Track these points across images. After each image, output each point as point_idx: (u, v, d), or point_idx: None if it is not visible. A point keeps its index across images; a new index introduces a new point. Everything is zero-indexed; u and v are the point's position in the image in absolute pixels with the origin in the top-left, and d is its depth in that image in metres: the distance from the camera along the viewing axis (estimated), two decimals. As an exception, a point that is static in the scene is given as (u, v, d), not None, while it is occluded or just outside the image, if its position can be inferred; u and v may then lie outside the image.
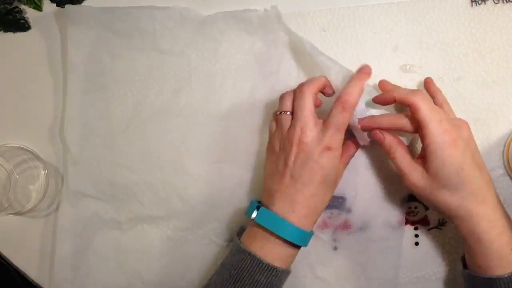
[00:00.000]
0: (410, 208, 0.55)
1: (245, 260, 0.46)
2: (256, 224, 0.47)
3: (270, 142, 0.51)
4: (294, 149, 0.47)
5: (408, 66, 0.55)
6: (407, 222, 0.55)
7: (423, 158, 0.46)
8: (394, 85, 0.53)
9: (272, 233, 0.46)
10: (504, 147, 0.54)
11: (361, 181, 0.54)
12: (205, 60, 0.56)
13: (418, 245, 0.55)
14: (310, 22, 0.56)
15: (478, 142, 0.54)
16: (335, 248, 0.55)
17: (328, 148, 0.46)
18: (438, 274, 0.54)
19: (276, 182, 0.48)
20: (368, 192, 0.55)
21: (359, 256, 0.55)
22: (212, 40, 0.55)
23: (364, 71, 0.52)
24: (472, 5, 0.55)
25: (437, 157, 0.44)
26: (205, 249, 0.56)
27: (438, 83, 0.55)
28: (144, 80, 0.56)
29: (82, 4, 0.56)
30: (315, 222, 0.49)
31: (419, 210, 0.55)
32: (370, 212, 0.55)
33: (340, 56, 0.56)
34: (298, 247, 0.48)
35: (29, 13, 0.58)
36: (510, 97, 0.55)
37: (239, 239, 0.48)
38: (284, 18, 0.55)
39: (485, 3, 0.55)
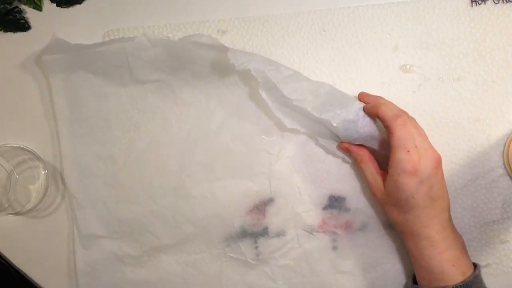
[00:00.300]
0: (410, 208, 0.55)
1: None
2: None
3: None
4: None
5: (408, 66, 0.55)
6: (407, 222, 0.55)
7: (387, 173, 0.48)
8: (377, 99, 0.52)
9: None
10: (504, 147, 0.54)
11: (361, 181, 0.55)
12: (186, 82, 0.56)
13: (418, 245, 0.55)
14: (310, 22, 0.56)
15: (478, 142, 0.54)
16: (335, 248, 0.55)
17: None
18: (438, 274, 0.54)
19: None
20: (368, 192, 0.55)
21: (359, 256, 0.55)
22: (188, 62, 0.55)
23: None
24: (472, 5, 0.55)
25: (392, 180, 0.47)
26: (225, 266, 0.56)
27: (438, 83, 0.55)
28: (131, 114, 0.56)
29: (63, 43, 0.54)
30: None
31: (419, 210, 0.55)
32: (370, 212, 0.55)
33: (340, 56, 0.56)
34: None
35: (29, 13, 0.58)
36: (510, 97, 0.55)
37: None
38: (284, 18, 0.56)
39: (485, 3, 0.55)
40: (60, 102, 0.56)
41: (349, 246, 0.55)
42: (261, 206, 0.55)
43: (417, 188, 0.45)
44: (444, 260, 0.46)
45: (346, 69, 0.56)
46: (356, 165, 0.53)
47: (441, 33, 0.55)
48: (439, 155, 0.47)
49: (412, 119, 0.48)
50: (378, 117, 0.48)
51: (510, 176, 0.54)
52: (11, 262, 0.57)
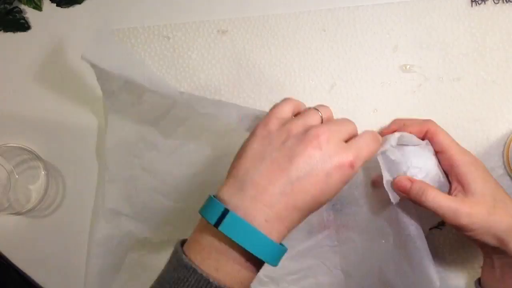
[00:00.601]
0: (410, 208, 0.55)
1: (190, 281, 0.34)
2: (213, 232, 0.36)
3: (267, 119, 0.39)
4: (309, 146, 0.36)
5: (408, 66, 0.55)
6: (407, 222, 0.55)
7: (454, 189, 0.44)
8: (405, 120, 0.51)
9: (235, 247, 0.35)
10: (504, 147, 0.54)
11: (361, 181, 0.55)
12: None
13: (418, 245, 0.55)
14: (310, 22, 0.56)
15: (478, 142, 0.54)
16: (335, 247, 0.55)
17: (349, 165, 0.37)
18: (438, 274, 0.54)
19: (264, 176, 0.36)
20: (368, 192, 0.55)
21: (359, 256, 0.55)
22: None
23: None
24: (472, 5, 0.55)
25: (473, 174, 0.43)
26: None
27: (438, 83, 0.55)
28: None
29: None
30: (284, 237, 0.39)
31: (419, 210, 0.55)
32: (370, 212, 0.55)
33: (340, 56, 0.56)
34: (258, 268, 0.37)
35: (29, 13, 0.58)
36: (510, 97, 0.55)
37: (183, 249, 0.37)
38: (284, 18, 0.56)
39: (485, 3, 0.55)
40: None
41: (349, 246, 0.55)
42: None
43: (488, 174, 0.46)
44: None
45: (346, 69, 0.56)
46: (416, 201, 0.43)
47: (441, 33, 0.55)
48: None
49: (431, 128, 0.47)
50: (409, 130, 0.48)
51: (510, 176, 0.54)
52: (11, 262, 0.57)
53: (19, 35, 0.58)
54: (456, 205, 0.42)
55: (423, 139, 0.48)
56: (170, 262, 0.37)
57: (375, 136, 0.41)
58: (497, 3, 0.55)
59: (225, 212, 0.35)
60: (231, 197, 0.36)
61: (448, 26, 0.55)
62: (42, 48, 0.58)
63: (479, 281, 0.48)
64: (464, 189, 0.43)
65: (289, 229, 0.37)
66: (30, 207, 0.56)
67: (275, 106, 0.41)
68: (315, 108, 0.41)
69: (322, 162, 0.36)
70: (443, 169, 0.46)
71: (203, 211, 0.37)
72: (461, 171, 0.43)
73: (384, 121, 0.55)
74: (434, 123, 0.47)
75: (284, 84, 0.56)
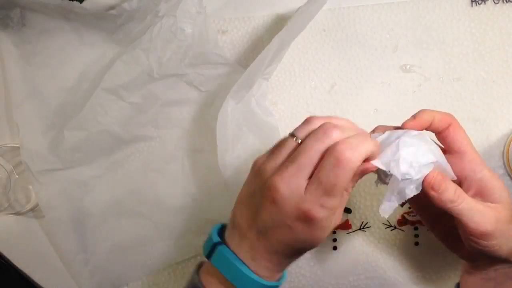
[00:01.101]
0: (410, 208, 0.55)
1: None
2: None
3: (259, 162, 0.38)
4: (267, 200, 0.35)
5: (408, 66, 0.55)
6: (407, 222, 0.55)
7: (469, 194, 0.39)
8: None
9: (225, 280, 0.37)
10: (504, 147, 0.54)
11: (360, 181, 0.54)
12: None
13: (418, 245, 0.55)
14: (310, 22, 0.56)
15: (478, 142, 0.54)
16: (335, 248, 0.55)
17: (306, 217, 0.34)
18: (438, 274, 0.55)
19: (244, 220, 0.37)
20: (368, 192, 0.55)
21: (359, 256, 0.55)
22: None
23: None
24: (472, 5, 0.55)
25: (496, 180, 0.38)
26: None
27: (438, 83, 0.55)
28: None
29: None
30: (282, 271, 0.39)
31: (419, 210, 0.55)
32: (370, 212, 0.55)
33: (340, 56, 0.56)
34: None
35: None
36: (510, 97, 0.55)
37: (198, 272, 0.39)
38: (284, 18, 0.56)
39: (485, 3, 0.55)
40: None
41: (349, 246, 0.55)
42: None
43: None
44: None
45: (346, 69, 0.56)
46: (452, 208, 0.37)
47: (441, 33, 0.55)
48: None
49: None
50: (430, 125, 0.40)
51: (510, 176, 0.54)
52: (11, 262, 0.57)
53: (19, 35, 0.58)
54: (485, 210, 0.37)
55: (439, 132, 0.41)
56: (188, 281, 0.40)
57: (332, 161, 0.34)
58: (497, 3, 0.55)
59: (214, 246, 0.38)
60: (227, 234, 0.39)
61: (448, 26, 0.55)
62: (42, 48, 0.58)
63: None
64: (485, 195, 0.38)
65: (283, 266, 0.38)
66: (30, 207, 0.56)
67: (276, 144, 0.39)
68: (292, 134, 0.37)
69: (280, 217, 0.35)
70: (456, 171, 0.39)
71: (204, 245, 0.40)
72: (487, 176, 0.38)
73: (384, 121, 0.54)
74: (455, 118, 0.40)
75: (284, 84, 0.56)
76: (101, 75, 0.53)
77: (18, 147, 0.55)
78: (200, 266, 0.40)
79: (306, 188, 0.34)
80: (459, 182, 0.39)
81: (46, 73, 0.56)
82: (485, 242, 0.38)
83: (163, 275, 0.56)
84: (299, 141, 0.36)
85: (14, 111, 0.55)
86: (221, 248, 0.37)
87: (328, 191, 0.34)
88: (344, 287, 0.55)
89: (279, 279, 0.39)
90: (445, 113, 0.41)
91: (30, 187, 0.56)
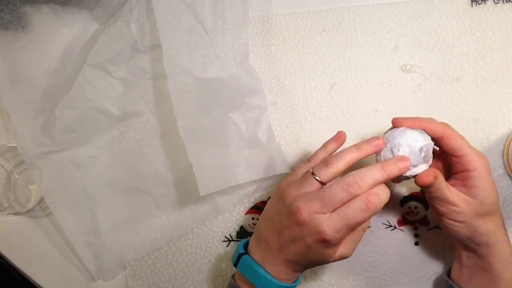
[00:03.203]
0: (410, 208, 0.55)
1: None
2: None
3: (282, 186, 0.45)
4: (292, 221, 0.42)
5: (408, 66, 0.55)
6: (407, 222, 0.55)
7: (456, 185, 0.45)
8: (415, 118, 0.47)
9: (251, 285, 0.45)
10: (504, 147, 0.54)
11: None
12: None
13: (418, 245, 0.55)
14: (310, 22, 0.56)
15: (478, 142, 0.54)
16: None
17: (326, 241, 0.41)
18: (438, 274, 0.55)
19: (269, 234, 0.45)
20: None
21: (359, 256, 0.55)
22: None
23: (373, 143, 0.44)
24: (472, 5, 0.55)
25: (484, 182, 0.44)
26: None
27: (438, 83, 0.55)
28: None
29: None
30: (297, 276, 0.47)
31: (419, 210, 0.55)
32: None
33: (340, 56, 0.56)
34: None
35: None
36: (510, 97, 0.55)
37: (234, 278, 0.48)
38: (284, 18, 0.56)
39: (485, 3, 0.55)
40: None
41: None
42: (261, 206, 0.55)
43: (494, 185, 0.45)
44: None
45: (346, 69, 0.56)
46: (430, 189, 0.44)
47: (441, 33, 0.55)
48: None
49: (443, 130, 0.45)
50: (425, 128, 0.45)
51: (510, 176, 0.54)
52: (11, 262, 0.57)
53: (19, 35, 0.58)
54: (458, 199, 0.44)
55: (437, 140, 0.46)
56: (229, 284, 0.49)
57: (362, 206, 0.40)
58: (497, 3, 0.55)
59: (240, 256, 0.46)
60: (251, 245, 0.47)
61: (448, 26, 0.55)
62: (42, 48, 0.58)
63: (448, 273, 0.50)
64: (468, 191, 0.45)
65: (298, 272, 0.46)
66: (30, 207, 0.56)
67: (295, 168, 0.48)
68: (313, 173, 0.43)
69: (301, 235, 0.42)
70: (454, 171, 0.46)
71: (232, 255, 0.48)
72: (474, 176, 0.44)
73: (384, 121, 0.55)
74: (450, 127, 0.45)
75: (284, 84, 0.56)
76: (86, 53, 0.53)
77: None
78: (234, 274, 0.49)
79: (331, 215, 0.41)
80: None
81: (29, 58, 0.56)
82: (451, 215, 0.45)
83: (164, 251, 0.56)
84: (322, 181, 0.43)
85: (2, 99, 0.55)
86: (245, 257, 0.46)
87: (351, 227, 0.41)
88: (344, 287, 0.55)
89: (294, 282, 0.46)
90: (439, 124, 0.45)
91: (30, 187, 0.56)
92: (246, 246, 0.48)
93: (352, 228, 0.41)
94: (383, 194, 0.41)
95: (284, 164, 0.54)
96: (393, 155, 0.43)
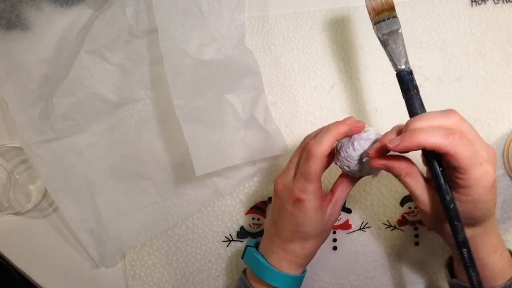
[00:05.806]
0: (410, 208, 0.55)
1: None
2: None
3: (277, 178, 0.48)
4: (274, 196, 0.46)
5: (408, 66, 0.55)
6: (407, 222, 0.55)
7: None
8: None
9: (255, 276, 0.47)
10: (504, 147, 0.54)
11: (360, 181, 0.54)
12: None
13: (418, 245, 0.55)
14: (310, 22, 0.56)
15: (478, 142, 0.54)
16: (335, 248, 0.55)
17: (297, 200, 0.43)
18: (438, 274, 0.55)
19: (268, 223, 0.48)
20: (368, 192, 0.55)
21: (359, 256, 0.55)
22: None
23: (344, 122, 0.44)
24: (472, 5, 0.55)
25: (471, 200, 0.39)
26: None
27: (438, 83, 0.55)
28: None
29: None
30: (301, 266, 0.47)
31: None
32: (370, 212, 0.55)
33: (340, 56, 0.56)
34: None
35: (30, 13, 0.58)
36: (510, 97, 0.55)
37: (245, 272, 0.49)
38: (284, 18, 0.56)
39: (485, 3, 0.55)
40: None
41: (349, 246, 0.55)
42: (261, 206, 0.55)
43: (494, 201, 0.40)
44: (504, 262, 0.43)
45: (346, 69, 0.56)
46: (400, 179, 0.41)
47: (441, 33, 0.55)
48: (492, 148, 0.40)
49: (456, 119, 0.41)
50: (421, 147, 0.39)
51: (510, 176, 0.54)
52: (11, 262, 0.57)
53: (19, 35, 0.58)
54: (424, 199, 0.42)
55: None
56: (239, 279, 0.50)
57: (306, 154, 0.43)
58: (497, 3, 0.55)
59: (246, 248, 0.50)
60: (260, 242, 0.50)
61: (448, 26, 0.55)
62: (42, 48, 0.58)
63: (447, 265, 0.48)
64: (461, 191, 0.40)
65: (299, 259, 0.46)
66: (30, 207, 0.56)
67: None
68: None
69: (282, 206, 0.45)
70: (455, 183, 0.39)
71: (242, 252, 0.51)
72: (470, 192, 0.39)
73: (384, 121, 0.55)
74: (459, 142, 0.38)
75: (284, 84, 0.56)
76: (81, 39, 0.53)
77: (18, 147, 0.56)
78: (245, 269, 0.50)
79: (293, 179, 0.44)
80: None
81: (24, 47, 0.56)
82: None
83: (164, 251, 0.56)
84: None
85: (-1, 91, 0.55)
86: (249, 248, 0.49)
87: (307, 178, 0.43)
88: (344, 287, 0.55)
89: (296, 275, 0.47)
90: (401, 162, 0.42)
91: (30, 187, 0.56)
92: (257, 245, 0.50)
93: (308, 179, 0.43)
94: (321, 137, 0.42)
95: (282, 145, 0.54)
96: (354, 147, 0.42)
